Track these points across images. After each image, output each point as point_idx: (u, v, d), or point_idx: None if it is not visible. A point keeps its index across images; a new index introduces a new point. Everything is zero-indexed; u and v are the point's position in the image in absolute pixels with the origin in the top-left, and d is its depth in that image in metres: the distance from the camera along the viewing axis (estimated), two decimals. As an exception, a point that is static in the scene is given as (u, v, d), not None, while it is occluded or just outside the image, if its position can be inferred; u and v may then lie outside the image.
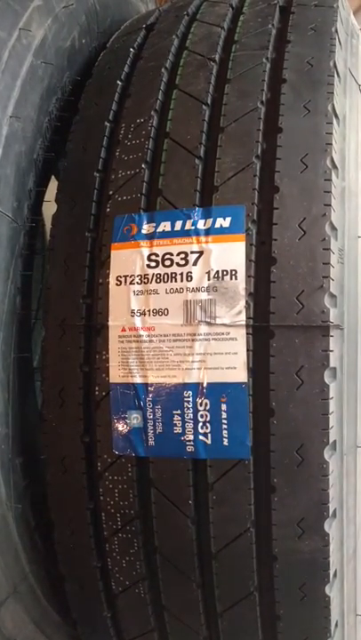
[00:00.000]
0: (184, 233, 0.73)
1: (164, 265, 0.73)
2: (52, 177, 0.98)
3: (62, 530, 0.82)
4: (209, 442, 0.70)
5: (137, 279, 0.74)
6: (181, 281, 0.72)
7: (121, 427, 0.74)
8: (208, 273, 0.71)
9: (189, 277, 0.72)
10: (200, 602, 0.76)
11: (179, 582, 0.76)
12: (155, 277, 0.73)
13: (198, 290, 0.71)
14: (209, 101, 0.78)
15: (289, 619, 0.74)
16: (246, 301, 0.69)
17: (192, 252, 0.72)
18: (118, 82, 0.88)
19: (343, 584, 0.78)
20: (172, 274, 0.72)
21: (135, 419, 0.73)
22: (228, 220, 0.72)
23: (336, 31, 0.81)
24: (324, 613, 0.73)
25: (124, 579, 0.79)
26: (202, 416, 0.70)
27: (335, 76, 0.77)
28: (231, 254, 0.71)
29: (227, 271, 0.70)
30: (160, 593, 0.78)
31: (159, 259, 0.73)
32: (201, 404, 0.70)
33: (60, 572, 0.84)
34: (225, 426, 0.70)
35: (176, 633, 0.80)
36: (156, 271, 0.73)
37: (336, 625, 0.76)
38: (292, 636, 0.75)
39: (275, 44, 0.81)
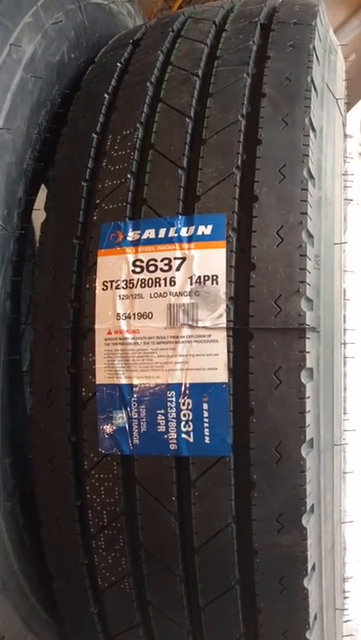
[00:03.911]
0: (167, 240, 0.76)
1: (148, 270, 0.76)
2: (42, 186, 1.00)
3: (50, 527, 0.84)
4: (191, 440, 0.73)
5: (122, 284, 0.77)
6: (165, 286, 0.75)
7: (107, 426, 0.76)
8: (190, 278, 0.74)
9: (173, 282, 0.75)
10: (183, 596, 0.78)
11: (163, 577, 0.78)
12: (139, 282, 0.76)
13: (181, 294, 0.74)
14: (192, 114, 0.82)
15: (269, 611, 0.76)
16: (227, 305, 0.72)
17: (175, 258, 0.75)
18: (105, 95, 0.91)
19: (322, 578, 0.81)
20: (156, 279, 0.75)
21: (120, 418, 0.76)
22: (210, 227, 0.75)
23: (314, 48, 0.84)
24: (303, 606, 0.75)
25: (110, 575, 0.81)
26: (184, 415, 0.73)
27: (312, 90, 0.80)
28: (212, 260, 0.74)
29: (208, 276, 0.74)
30: (145, 588, 0.80)
31: (144, 264, 0.76)
32: (183, 404, 0.73)
33: (47, 569, 0.87)
34: (206, 424, 0.72)
35: (161, 627, 0.82)
36: (141, 276, 0.76)
37: (315, 618, 0.79)
38: (273, 629, 0.77)
39: (255, 59, 0.85)
